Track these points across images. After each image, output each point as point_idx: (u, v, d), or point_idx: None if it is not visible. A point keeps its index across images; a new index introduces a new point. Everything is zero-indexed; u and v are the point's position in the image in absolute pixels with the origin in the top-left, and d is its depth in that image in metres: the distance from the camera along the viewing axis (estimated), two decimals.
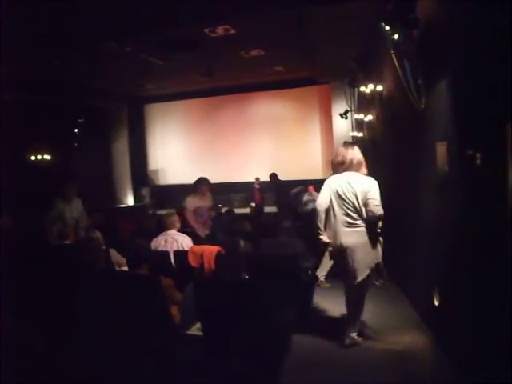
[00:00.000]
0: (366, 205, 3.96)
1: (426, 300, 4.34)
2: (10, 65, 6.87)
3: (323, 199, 4.15)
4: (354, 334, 4.22)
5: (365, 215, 3.99)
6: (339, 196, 4.06)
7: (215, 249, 4.93)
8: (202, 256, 4.93)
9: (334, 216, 4.09)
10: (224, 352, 3.36)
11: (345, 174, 4.12)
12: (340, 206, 4.06)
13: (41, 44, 6.86)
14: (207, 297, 3.56)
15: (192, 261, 4.94)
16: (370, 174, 4.25)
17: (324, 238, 4.13)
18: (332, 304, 5.50)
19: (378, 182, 4.08)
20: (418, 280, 5.01)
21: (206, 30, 7.08)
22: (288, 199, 9.64)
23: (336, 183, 4.10)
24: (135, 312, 3.50)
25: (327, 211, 4.13)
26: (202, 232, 6.67)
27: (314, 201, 10.24)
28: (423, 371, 3.74)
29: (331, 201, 4.11)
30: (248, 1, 5.78)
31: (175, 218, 5.41)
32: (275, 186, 10.10)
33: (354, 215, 4.01)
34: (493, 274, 2.79)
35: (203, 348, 3.49)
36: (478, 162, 2.87)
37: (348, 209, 4.03)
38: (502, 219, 2.57)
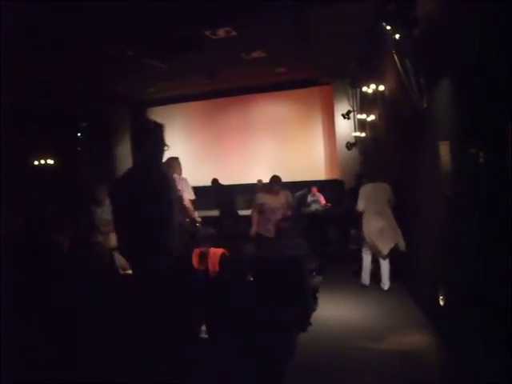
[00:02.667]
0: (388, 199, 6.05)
1: (431, 300, 4.33)
2: (12, 69, 6.88)
3: (361, 204, 6.18)
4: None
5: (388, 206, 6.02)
6: (371, 197, 6.11)
7: (219, 251, 4.93)
8: (206, 258, 4.93)
9: (368, 210, 6.10)
10: (229, 354, 3.36)
11: (377, 183, 6.28)
12: (372, 204, 6.05)
13: (42, 48, 6.88)
14: (212, 299, 3.56)
15: (196, 263, 4.94)
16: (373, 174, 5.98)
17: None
18: (336, 305, 5.50)
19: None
20: (422, 280, 4.99)
21: (208, 32, 7.08)
22: (230, 201, 10.56)
23: (370, 190, 6.20)
24: (140, 315, 3.50)
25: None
26: (269, 232, 6.07)
27: (317, 201, 10.31)
28: (428, 371, 3.73)
29: (366, 201, 6.14)
30: (249, 3, 5.78)
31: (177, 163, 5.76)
32: (217, 190, 10.76)
33: (380, 208, 5.98)
34: (497, 273, 2.78)
35: (208, 350, 3.49)
36: (481, 160, 2.86)
37: (377, 205, 6.02)
38: (505, 218, 2.56)
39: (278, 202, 6.28)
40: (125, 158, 13.73)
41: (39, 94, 9.68)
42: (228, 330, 3.44)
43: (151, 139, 3.07)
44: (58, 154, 11.52)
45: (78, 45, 6.87)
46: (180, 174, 5.99)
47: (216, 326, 3.53)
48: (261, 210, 6.27)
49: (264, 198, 6.29)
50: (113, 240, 5.95)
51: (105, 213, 6.31)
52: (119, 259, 5.10)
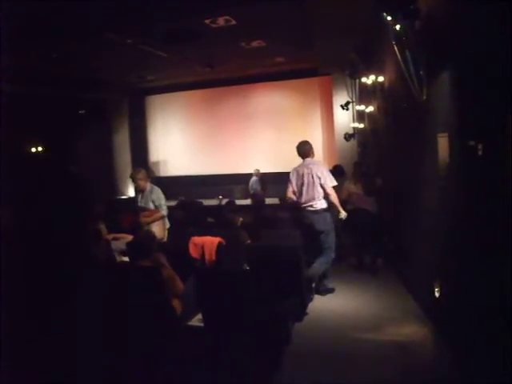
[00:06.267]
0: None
1: (427, 292, 4.35)
2: (11, 57, 6.83)
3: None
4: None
5: None
6: None
7: (216, 240, 4.93)
8: (203, 247, 4.94)
9: None
10: (225, 343, 3.38)
11: None
12: None
13: (41, 35, 6.83)
14: (208, 288, 3.57)
15: (193, 252, 4.95)
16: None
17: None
18: (332, 295, 5.52)
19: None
20: (419, 272, 5.01)
21: (207, 21, 7.04)
22: None
23: None
24: (137, 303, 3.51)
25: None
26: None
27: None
28: (424, 363, 3.75)
29: None
30: None
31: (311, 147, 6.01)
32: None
33: None
34: (494, 265, 2.79)
35: (204, 339, 3.50)
36: (480, 152, 2.86)
37: None
38: (503, 210, 2.57)
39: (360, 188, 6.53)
40: (123, 145, 13.72)
41: (37, 81, 9.63)
42: (224, 319, 3.46)
43: None
44: (56, 142, 11.47)
45: (77, 33, 6.82)
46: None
47: (212, 315, 3.54)
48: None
49: (353, 188, 6.50)
50: (156, 231, 5.29)
51: (144, 201, 5.81)
52: (116, 244, 5.10)
